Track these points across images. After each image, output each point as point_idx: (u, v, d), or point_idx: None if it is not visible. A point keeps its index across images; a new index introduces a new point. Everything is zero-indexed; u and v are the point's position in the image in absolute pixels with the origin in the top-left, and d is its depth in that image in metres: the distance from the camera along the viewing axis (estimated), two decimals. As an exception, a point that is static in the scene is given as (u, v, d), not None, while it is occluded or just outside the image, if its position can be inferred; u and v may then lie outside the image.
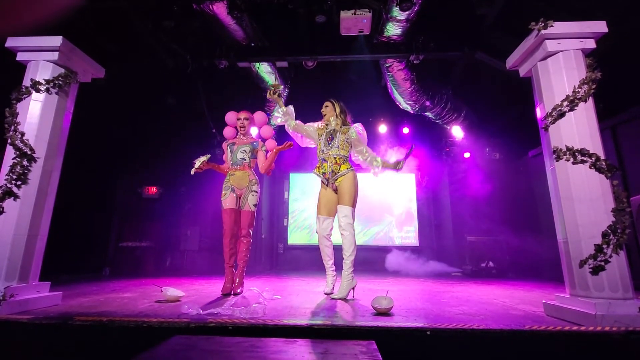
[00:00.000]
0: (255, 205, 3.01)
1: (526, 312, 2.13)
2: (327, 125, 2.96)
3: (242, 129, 3.15)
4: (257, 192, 3.05)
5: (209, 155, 2.93)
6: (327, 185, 2.83)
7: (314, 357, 1.18)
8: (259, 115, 3.31)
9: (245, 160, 3.06)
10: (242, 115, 3.16)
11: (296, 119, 2.99)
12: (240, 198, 3.02)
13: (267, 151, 3.18)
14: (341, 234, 2.70)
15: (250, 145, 3.11)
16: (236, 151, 3.08)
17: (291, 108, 2.95)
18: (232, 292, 2.88)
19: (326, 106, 2.97)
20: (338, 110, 2.94)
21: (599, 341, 1.56)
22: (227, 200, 2.98)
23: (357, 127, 2.95)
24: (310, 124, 3.03)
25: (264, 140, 3.34)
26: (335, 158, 2.81)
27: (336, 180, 2.79)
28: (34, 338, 1.72)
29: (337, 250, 2.76)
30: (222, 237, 2.96)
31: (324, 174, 2.84)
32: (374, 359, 1.15)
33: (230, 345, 1.33)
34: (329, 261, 2.86)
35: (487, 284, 4.04)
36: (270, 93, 2.82)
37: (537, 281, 4.45)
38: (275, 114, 2.98)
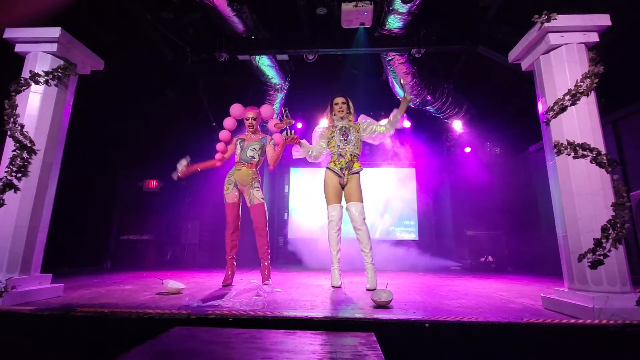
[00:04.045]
0: (263, 198, 3.04)
1: (524, 305, 2.15)
2: (334, 122, 3.04)
3: (251, 128, 3.15)
4: (259, 187, 3.08)
5: (188, 158, 3.08)
6: (340, 177, 2.90)
7: (313, 349, 1.19)
8: (265, 109, 3.28)
9: (254, 158, 3.07)
10: (250, 114, 3.13)
11: (296, 113, 3.02)
12: (243, 194, 3.06)
13: (275, 144, 3.17)
14: (358, 230, 2.80)
15: (259, 143, 3.12)
16: (246, 148, 3.09)
17: (304, 141, 3.03)
18: (231, 284, 2.93)
19: (344, 102, 3.05)
20: (352, 108, 3.08)
21: (596, 334, 1.57)
22: (230, 195, 3.03)
23: (362, 117, 3.10)
24: (317, 136, 3.12)
25: (271, 133, 3.30)
26: (351, 155, 2.94)
27: (346, 177, 2.90)
28: (36, 329, 1.74)
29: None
30: (225, 230, 3.00)
31: (341, 168, 2.91)
32: (373, 351, 1.16)
33: (230, 336, 1.34)
34: (338, 253, 2.91)
35: (486, 278, 4.06)
36: (286, 134, 2.86)
37: (536, 275, 4.47)
38: (295, 153, 3.10)
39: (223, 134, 3.17)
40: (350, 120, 3.03)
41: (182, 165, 3.07)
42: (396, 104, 5.91)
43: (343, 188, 2.93)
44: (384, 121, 3.08)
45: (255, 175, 3.07)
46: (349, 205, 2.88)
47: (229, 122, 3.21)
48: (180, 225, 6.48)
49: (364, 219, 2.82)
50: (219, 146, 3.17)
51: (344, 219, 2.94)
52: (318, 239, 6.60)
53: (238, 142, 3.15)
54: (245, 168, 3.04)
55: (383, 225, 7.08)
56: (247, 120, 3.14)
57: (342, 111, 3.01)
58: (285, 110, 2.95)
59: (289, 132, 2.83)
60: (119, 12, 3.95)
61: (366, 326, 1.58)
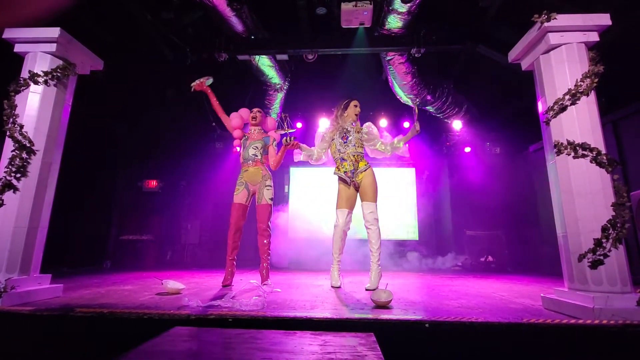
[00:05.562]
0: (271, 199, 3.05)
1: (525, 306, 2.14)
2: (337, 124, 3.02)
3: (254, 120, 3.17)
4: (271, 186, 3.09)
5: (211, 79, 3.16)
6: (348, 184, 2.89)
7: (313, 349, 1.18)
8: (270, 120, 3.35)
9: (257, 156, 3.08)
10: (256, 109, 3.23)
11: (296, 113, 3.03)
12: (254, 194, 3.06)
13: (278, 143, 3.18)
14: (368, 228, 2.82)
15: (262, 142, 3.14)
16: (248, 147, 3.11)
17: (305, 146, 3.06)
18: (230, 284, 2.93)
19: (356, 105, 3.05)
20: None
21: (596, 334, 1.57)
22: (239, 196, 3.04)
23: (369, 126, 3.06)
24: (319, 138, 3.12)
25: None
26: (353, 156, 2.93)
27: (357, 177, 2.88)
28: (36, 330, 1.74)
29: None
30: (227, 231, 3.00)
31: (345, 172, 2.90)
32: (373, 351, 1.16)
33: (230, 336, 1.34)
34: (340, 255, 2.92)
35: (486, 278, 4.06)
36: (286, 140, 2.87)
37: (536, 275, 4.47)
38: (297, 156, 3.14)
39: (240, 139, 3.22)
40: (354, 124, 3.02)
41: (202, 80, 3.14)
42: (395, 104, 5.93)
43: (358, 189, 2.91)
44: (386, 144, 3.01)
45: (264, 172, 3.08)
46: (362, 204, 2.88)
47: (237, 119, 3.25)
48: (180, 225, 6.48)
49: (376, 219, 2.82)
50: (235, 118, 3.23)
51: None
52: (318, 239, 6.61)
53: (242, 140, 3.19)
54: (252, 167, 3.06)
55: (382, 225, 7.07)
56: (251, 112, 3.20)
57: (358, 114, 3.03)
58: (285, 117, 2.97)
59: (289, 138, 2.84)
60: (119, 12, 3.94)
61: (366, 326, 1.58)
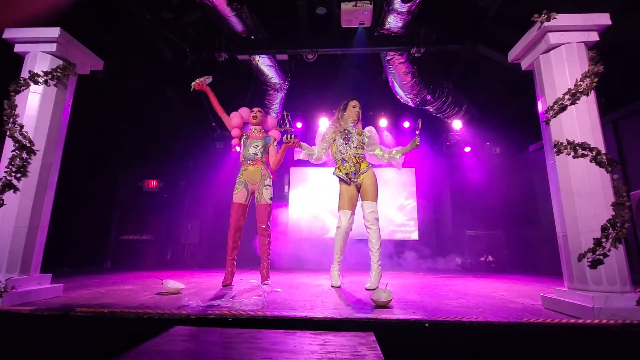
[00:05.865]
0: (271, 199, 3.05)
1: (524, 305, 2.14)
2: (339, 125, 3.01)
3: (255, 120, 3.16)
4: (270, 185, 3.08)
5: (210, 78, 3.09)
6: (349, 184, 2.89)
7: (313, 349, 1.18)
8: (270, 119, 3.35)
9: (257, 155, 3.08)
10: (256, 108, 3.23)
11: (296, 113, 3.02)
12: (254, 193, 3.06)
13: (278, 142, 3.18)
14: (369, 228, 2.82)
15: (262, 141, 3.13)
16: (249, 146, 3.10)
17: (305, 144, 3.05)
18: (230, 284, 2.93)
19: (354, 106, 3.04)
20: (360, 114, 3.09)
21: (596, 334, 1.57)
22: (238, 195, 3.03)
23: (371, 130, 3.07)
24: (320, 137, 3.12)
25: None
26: (355, 157, 2.94)
27: (359, 178, 2.89)
28: (36, 329, 1.74)
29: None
30: (227, 231, 3.00)
31: (347, 174, 2.91)
32: (372, 351, 1.16)
33: (230, 336, 1.34)
34: (341, 255, 2.94)
35: (486, 278, 4.06)
36: (287, 138, 2.87)
37: (536, 275, 4.47)
38: (296, 155, 3.13)
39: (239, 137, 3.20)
40: (357, 126, 3.02)
41: (202, 80, 3.07)
42: (395, 104, 5.92)
43: (359, 189, 2.91)
44: (385, 151, 3.05)
45: (264, 171, 3.08)
46: (362, 204, 2.89)
47: (237, 118, 3.23)
48: (180, 225, 6.48)
49: (376, 218, 2.83)
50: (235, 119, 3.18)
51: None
52: (318, 238, 6.61)
53: (242, 139, 3.17)
54: (252, 166, 3.05)
55: (382, 225, 7.06)
56: (252, 112, 3.19)
57: (359, 114, 3.02)
58: (286, 115, 2.97)
59: (289, 136, 2.84)
60: (119, 12, 3.94)
61: (366, 326, 1.58)
